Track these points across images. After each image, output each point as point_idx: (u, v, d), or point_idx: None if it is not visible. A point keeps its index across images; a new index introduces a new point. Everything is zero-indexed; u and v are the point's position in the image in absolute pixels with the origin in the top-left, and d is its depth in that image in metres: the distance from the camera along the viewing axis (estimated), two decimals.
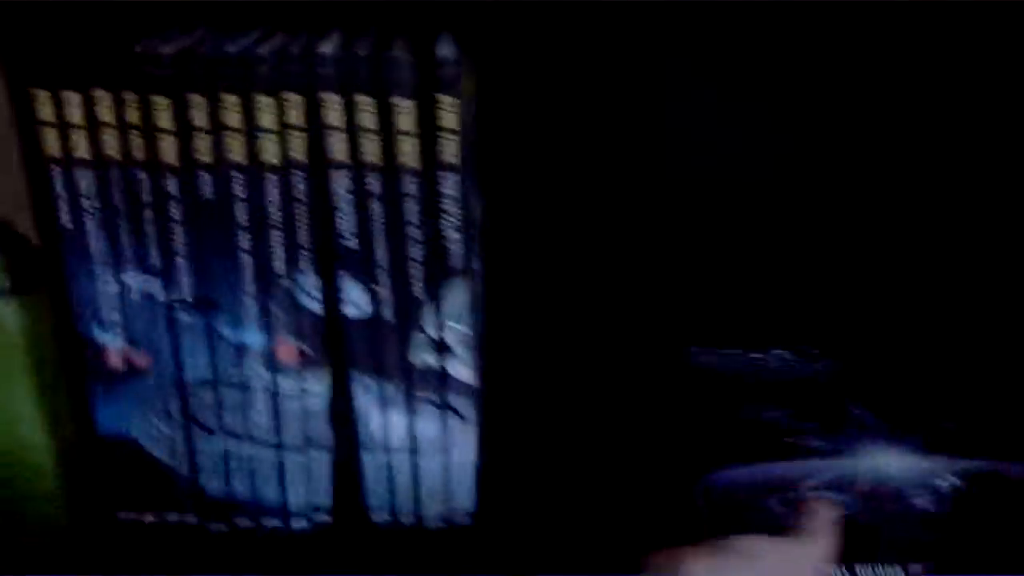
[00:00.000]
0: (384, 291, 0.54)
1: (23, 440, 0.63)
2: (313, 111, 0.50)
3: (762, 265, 0.63)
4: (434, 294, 0.53)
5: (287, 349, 0.55)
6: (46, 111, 0.50)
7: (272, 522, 0.60)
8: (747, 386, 0.61)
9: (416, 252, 0.52)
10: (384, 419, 0.57)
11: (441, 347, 0.55)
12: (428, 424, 0.57)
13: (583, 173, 0.61)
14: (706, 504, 0.57)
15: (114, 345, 0.56)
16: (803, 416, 0.60)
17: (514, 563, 0.57)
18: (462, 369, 0.55)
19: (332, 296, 0.54)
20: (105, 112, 0.50)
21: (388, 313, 0.54)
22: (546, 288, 0.62)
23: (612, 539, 0.56)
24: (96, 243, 0.53)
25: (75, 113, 0.50)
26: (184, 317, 0.54)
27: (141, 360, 0.56)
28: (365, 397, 0.56)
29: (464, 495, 0.59)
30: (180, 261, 0.53)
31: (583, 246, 0.62)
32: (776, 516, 0.55)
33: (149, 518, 0.60)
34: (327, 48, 0.49)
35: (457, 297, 0.53)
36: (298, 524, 0.60)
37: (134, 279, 0.54)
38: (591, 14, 0.56)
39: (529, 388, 0.63)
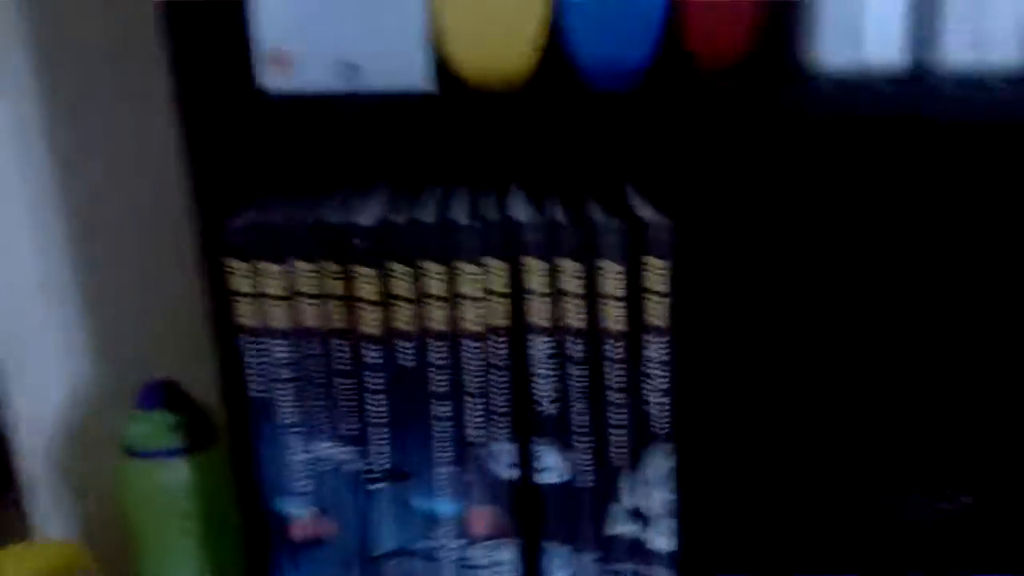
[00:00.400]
0: (582, 458, 0.51)
1: None
2: (515, 276, 0.49)
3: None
4: (634, 461, 0.51)
5: (479, 518, 0.53)
6: (242, 282, 0.50)
7: None
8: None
9: (617, 417, 0.50)
10: None
11: (639, 516, 0.52)
12: None
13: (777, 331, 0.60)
14: None
15: (299, 514, 0.54)
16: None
17: None
18: (660, 539, 0.52)
19: (527, 463, 0.52)
20: (303, 282, 0.50)
21: (585, 480, 0.52)
22: (741, 454, 0.60)
23: None
24: (288, 412, 0.52)
25: (272, 283, 0.50)
26: (375, 487, 0.53)
27: (327, 529, 0.54)
28: (558, 569, 0.54)
29: None
30: (374, 431, 0.52)
31: (777, 411, 0.60)
32: None
33: None
34: (527, 214, 0.48)
35: (658, 464, 0.51)
36: None
37: (325, 448, 0.53)
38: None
39: (727, 554, 0.59)
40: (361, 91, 0.46)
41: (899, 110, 0.42)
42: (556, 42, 0.47)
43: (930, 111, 0.43)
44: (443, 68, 0.47)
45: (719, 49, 0.45)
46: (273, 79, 0.46)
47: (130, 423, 0.62)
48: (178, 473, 0.62)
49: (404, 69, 0.46)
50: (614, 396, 0.50)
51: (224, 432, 0.59)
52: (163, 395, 0.62)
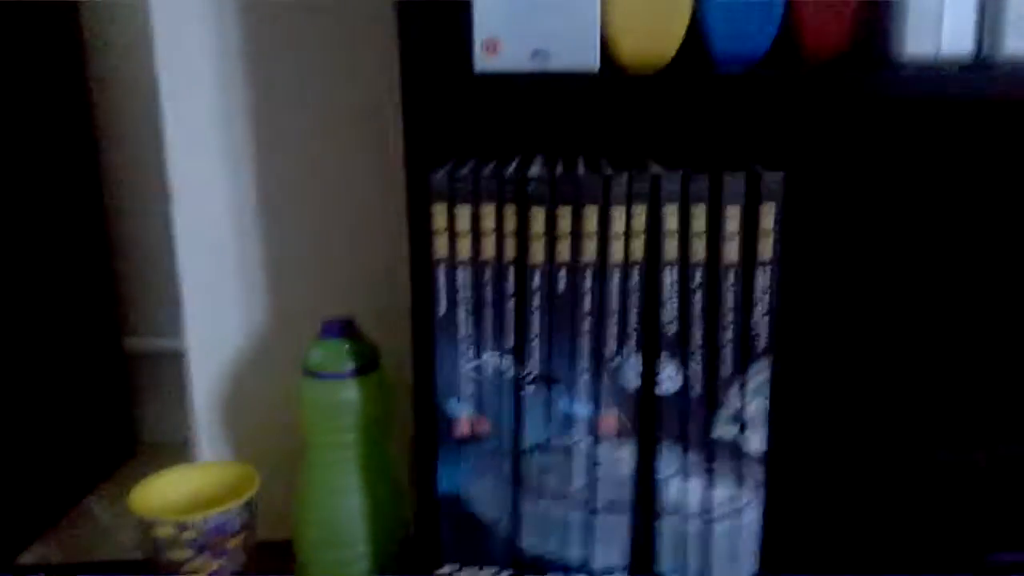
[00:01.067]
0: (696, 370, 0.65)
1: (353, 507, 0.75)
2: (655, 219, 0.63)
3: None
4: (739, 374, 0.65)
5: (609, 420, 0.66)
6: (439, 221, 0.64)
7: None
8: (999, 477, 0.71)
9: (728, 335, 0.64)
10: (683, 485, 0.67)
11: (741, 420, 0.65)
12: (722, 490, 0.66)
13: (870, 272, 0.75)
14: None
15: (464, 414, 0.67)
16: None
17: None
18: (756, 440, 0.66)
19: (650, 374, 0.66)
20: (487, 222, 0.64)
21: (697, 390, 0.65)
22: (833, 369, 0.74)
23: None
24: (464, 329, 0.66)
25: (463, 222, 0.64)
26: (528, 390, 0.66)
27: (484, 427, 0.67)
28: (668, 466, 0.67)
29: (748, 559, 0.68)
30: (532, 343, 0.65)
31: (864, 342, 0.75)
32: None
33: (470, 571, 0.69)
34: (671, 179, 0.63)
35: (759, 375, 0.65)
36: None
37: (490, 358, 0.66)
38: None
39: (810, 457, 0.72)
40: (547, 71, 0.61)
41: (969, 94, 0.57)
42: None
43: (994, 94, 0.58)
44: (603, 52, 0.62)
45: (824, 41, 0.61)
46: (484, 62, 0.61)
47: (312, 349, 0.76)
48: (349, 391, 0.75)
49: (581, 53, 0.61)
50: (726, 318, 0.64)
51: (395, 354, 0.73)
52: (341, 328, 0.76)
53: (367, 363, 0.75)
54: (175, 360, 1.09)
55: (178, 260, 0.85)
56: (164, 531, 0.73)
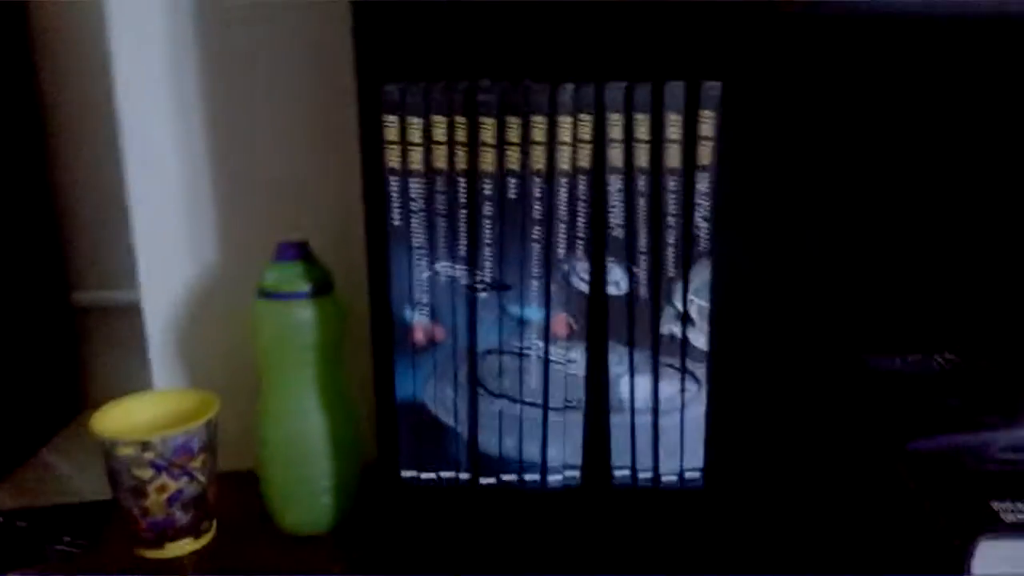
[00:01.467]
0: (642, 272, 0.68)
1: (312, 424, 0.77)
2: (600, 128, 0.66)
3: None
4: (682, 274, 0.68)
5: (560, 323, 0.69)
6: (391, 133, 0.66)
7: (532, 477, 0.72)
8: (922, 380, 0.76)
9: (671, 238, 0.67)
10: (632, 383, 0.70)
11: (685, 318, 0.69)
12: (668, 386, 0.70)
13: (808, 180, 0.79)
14: (908, 467, 0.68)
15: (419, 322, 0.70)
16: (977, 401, 0.73)
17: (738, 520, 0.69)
18: (700, 337, 0.69)
19: (599, 277, 0.69)
20: (439, 133, 0.66)
21: (644, 291, 0.69)
22: (771, 271, 0.78)
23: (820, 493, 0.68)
24: (417, 238, 0.68)
25: (415, 134, 0.66)
26: (481, 296, 0.69)
27: (439, 334, 0.70)
28: (617, 364, 0.70)
29: (695, 453, 0.71)
30: (484, 251, 0.68)
31: (801, 244, 0.80)
32: (972, 473, 0.65)
33: (429, 475, 0.72)
34: (615, 88, 0.66)
35: (701, 276, 0.68)
36: (553, 480, 0.72)
37: (444, 267, 0.69)
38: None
39: (750, 355, 0.76)
40: None
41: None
42: None
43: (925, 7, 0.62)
44: None
45: None
46: None
47: (267, 272, 0.77)
48: (305, 312, 0.76)
49: None
50: (669, 222, 0.67)
51: (351, 280, 0.74)
52: (296, 251, 0.77)
53: (322, 285, 0.77)
54: (127, 313, 1.10)
55: (129, 202, 0.85)
56: (126, 451, 0.74)
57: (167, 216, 0.87)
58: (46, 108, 1.10)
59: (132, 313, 0.94)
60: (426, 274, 0.68)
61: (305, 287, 0.76)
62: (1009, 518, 0.58)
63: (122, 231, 0.88)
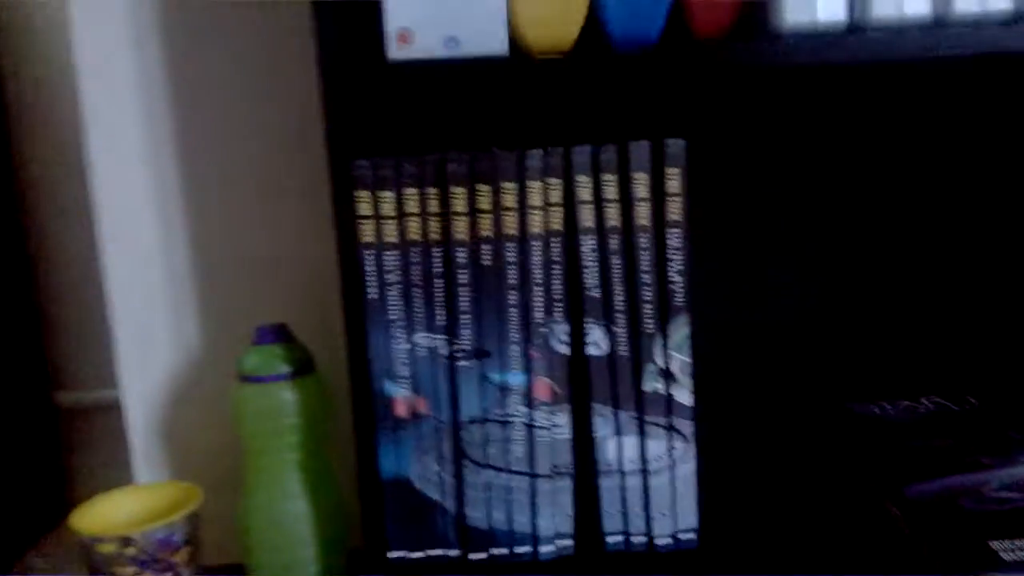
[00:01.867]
0: (621, 330, 0.68)
1: (298, 509, 0.75)
2: (569, 191, 0.67)
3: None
4: (661, 329, 0.68)
5: (542, 387, 0.69)
6: (364, 207, 0.67)
7: (524, 549, 0.70)
8: (910, 425, 0.75)
9: (647, 295, 0.68)
10: (619, 444, 0.70)
11: (667, 375, 0.69)
12: (656, 445, 0.69)
13: (780, 230, 0.80)
14: (903, 510, 0.67)
15: (401, 395, 0.69)
16: (969, 441, 0.73)
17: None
18: (683, 393, 0.69)
19: (578, 338, 0.69)
20: (411, 205, 0.67)
21: (624, 349, 0.68)
22: (749, 322, 0.78)
23: (816, 543, 0.67)
24: (395, 311, 0.68)
25: (388, 207, 0.67)
26: (461, 365, 0.68)
27: (422, 406, 0.69)
28: (603, 426, 0.69)
29: (688, 511, 0.70)
30: (462, 319, 0.68)
31: (778, 294, 0.80)
32: (969, 513, 0.64)
33: (417, 554, 0.70)
34: (582, 151, 0.67)
35: (680, 331, 0.68)
36: (546, 551, 0.70)
37: (423, 337, 0.69)
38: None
39: (736, 408, 0.76)
40: (459, 57, 0.65)
41: (845, 57, 0.63)
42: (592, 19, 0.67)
43: (867, 56, 0.63)
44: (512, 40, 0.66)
45: (711, 18, 0.66)
46: (398, 51, 0.65)
47: (246, 356, 0.77)
48: (286, 393, 0.76)
49: (491, 38, 0.65)
50: (644, 279, 0.67)
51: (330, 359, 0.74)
52: (275, 333, 0.77)
53: (302, 366, 0.76)
54: (111, 413, 1.09)
55: (107, 289, 0.86)
56: (107, 548, 0.72)
57: (146, 305, 0.87)
58: (26, 208, 1.11)
59: (116, 413, 0.92)
60: (405, 346, 0.68)
61: (286, 368, 0.75)
62: (1008, 557, 0.57)
63: (103, 330, 0.87)
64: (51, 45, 1.09)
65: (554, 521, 0.70)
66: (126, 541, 0.72)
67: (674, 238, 0.67)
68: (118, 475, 0.97)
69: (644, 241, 0.67)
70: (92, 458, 1.17)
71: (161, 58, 0.84)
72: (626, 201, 0.66)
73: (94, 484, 1.15)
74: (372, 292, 0.68)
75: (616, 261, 0.67)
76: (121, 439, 0.89)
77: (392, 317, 0.68)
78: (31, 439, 1.08)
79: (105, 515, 0.77)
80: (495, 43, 0.64)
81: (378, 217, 0.67)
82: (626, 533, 0.70)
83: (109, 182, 0.85)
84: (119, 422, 0.88)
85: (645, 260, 0.67)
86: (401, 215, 0.67)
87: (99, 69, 0.83)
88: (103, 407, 1.13)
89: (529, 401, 0.68)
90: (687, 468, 0.69)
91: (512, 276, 0.67)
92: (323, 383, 0.78)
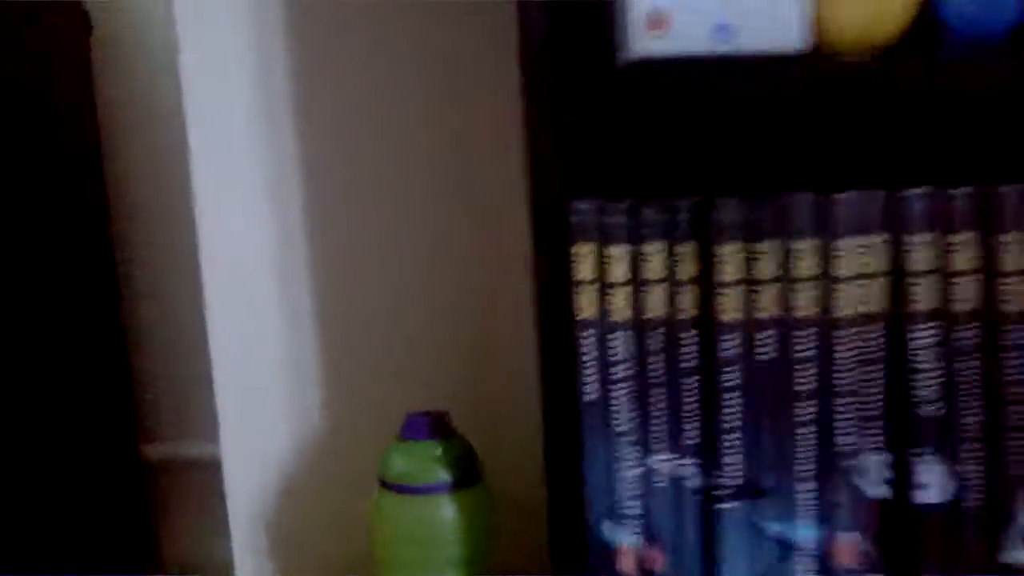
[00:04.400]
0: (970, 470, 0.45)
1: None
2: (897, 253, 0.45)
3: None
4: None
5: (845, 547, 0.46)
6: (584, 269, 0.46)
7: None
8: None
9: (1016, 419, 0.44)
10: None
11: None
12: None
13: None
14: None
15: (627, 544, 0.47)
16: None
17: None
18: None
19: (904, 478, 0.46)
20: (654, 266, 0.46)
21: (974, 497, 0.45)
22: None
23: None
24: (622, 420, 0.47)
25: (619, 268, 0.46)
26: (722, 508, 0.46)
27: (658, 562, 0.47)
28: None
29: None
30: (725, 439, 0.46)
31: None
32: None
33: None
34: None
35: None
36: None
37: (663, 461, 0.47)
38: None
39: None
40: (734, 54, 0.44)
41: None
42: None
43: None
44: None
45: None
46: (648, 42, 0.44)
47: (391, 454, 0.58)
48: (445, 511, 0.56)
49: (778, 28, 0.44)
50: (1013, 392, 0.44)
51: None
52: (430, 426, 0.57)
53: (467, 473, 0.57)
54: (202, 469, 0.94)
55: (212, 350, 0.70)
56: None
57: (255, 367, 0.70)
58: (121, 259, 0.99)
59: (208, 469, 0.80)
60: (636, 472, 0.47)
61: (445, 477, 0.57)
62: None
63: (197, 378, 0.76)
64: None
65: None
66: None
67: None
68: (210, 541, 0.86)
69: (1021, 336, 0.44)
70: (182, 517, 1.02)
71: (284, 75, 0.68)
72: (990, 272, 0.44)
73: (184, 544, 1.02)
74: (590, 392, 0.47)
75: (970, 363, 0.44)
76: (214, 500, 0.74)
77: (619, 429, 0.47)
78: (117, 494, 0.98)
79: None
80: (787, 34, 0.43)
81: (603, 282, 0.47)
82: None
83: (215, 216, 0.69)
84: (213, 481, 0.74)
85: (1017, 364, 0.44)
86: (638, 281, 0.47)
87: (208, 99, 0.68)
88: (195, 462, 0.98)
89: (825, 567, 0.46)
90: None
91: (805, 379, 0.45)
92: (490, 495, 0.58)
